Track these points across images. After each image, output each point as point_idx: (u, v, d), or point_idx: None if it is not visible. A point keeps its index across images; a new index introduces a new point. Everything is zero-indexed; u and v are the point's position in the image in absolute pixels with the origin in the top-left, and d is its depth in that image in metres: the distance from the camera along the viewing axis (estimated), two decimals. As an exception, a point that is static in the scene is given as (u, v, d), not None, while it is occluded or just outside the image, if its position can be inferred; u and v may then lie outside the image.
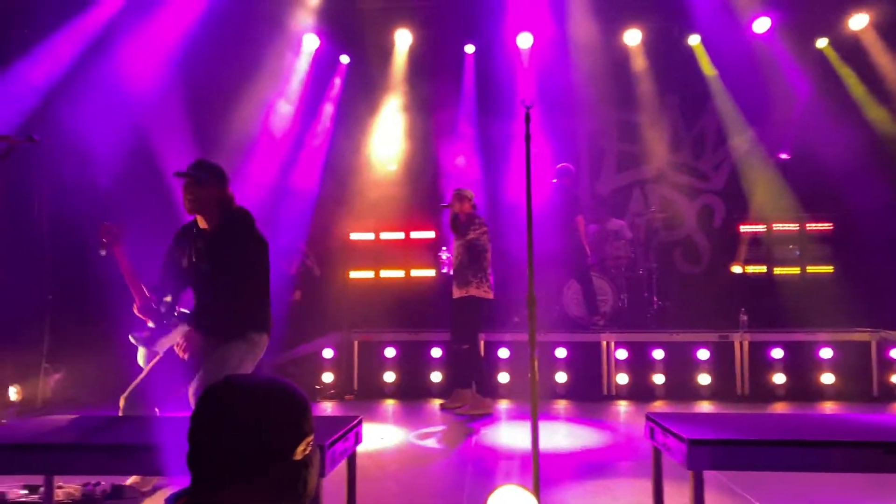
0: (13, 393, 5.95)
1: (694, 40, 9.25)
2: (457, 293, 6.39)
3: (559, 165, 8.05)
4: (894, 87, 8.62)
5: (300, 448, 1.37)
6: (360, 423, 3.10)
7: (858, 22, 8.66)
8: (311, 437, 1.41)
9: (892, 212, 8.07)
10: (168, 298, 3.71)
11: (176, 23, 7.30)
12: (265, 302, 3.72)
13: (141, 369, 3.72)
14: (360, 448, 3.16)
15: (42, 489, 3.20)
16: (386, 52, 9.36)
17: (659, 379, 7.21)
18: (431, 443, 5.26)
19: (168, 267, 3.71)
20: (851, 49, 8.88)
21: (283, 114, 8.85)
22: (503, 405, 6.89)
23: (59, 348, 6.41)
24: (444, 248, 6.71)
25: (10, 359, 6.03)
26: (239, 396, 1.36)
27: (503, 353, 7.38)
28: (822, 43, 9.08)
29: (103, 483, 3.63)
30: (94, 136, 6.33)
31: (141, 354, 3.82)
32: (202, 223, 3.63)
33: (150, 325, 3.69)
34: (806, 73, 9.00)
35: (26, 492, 3.57)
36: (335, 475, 2.92)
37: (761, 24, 8.67)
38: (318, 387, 7.35)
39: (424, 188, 9.54)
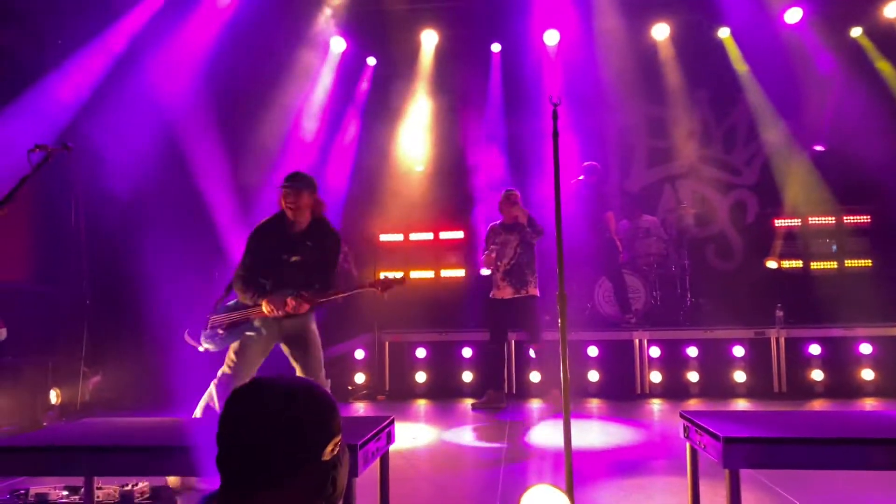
0: (53, 396, 6.08)
1: (723, 33, 9.10)
2: (514, 293, 6.47)
3: (586, 163, 8.00)
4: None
5: (329, 448, 1.38)
6: (392, 422, 3.12)
7: (894, 9, 8.44)
8: (339, 437, 1.42)
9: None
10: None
11: (203, 30, 7.42)
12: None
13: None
14: (392, 448, 3.17)
15: (82, 490, 3.27)
16: (412, 52, 9.37)
17: (693, 377, 7.12)
18: (464, 442, 5.26)
19: (259, 260, 4.24)
20: (887, 37, 8.66)
21: (311, 116, 8.94)
22: (535, 404, 6.86)
23: (96, 352, 6.53)
24: (492, 247, 6.67)
25: (50, 363, 6.17)
26: (267, 397, 1.37)
27: (533, 351, 7.33)
28: (856, 32, 8.87)
29: (141, 484, 3.69)
30: (126, 145, 6.48)
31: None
32: (295, 223, 4.23)
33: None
34: (840, 63, 8.81)
35: (67, 493, 3.64)
36: (368, 475, 2.94)
37: (793, 15, 8.50)
38: (350, 387, 7.39)
39: (453, 188, 9.55)
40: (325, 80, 9.07)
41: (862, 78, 8.76)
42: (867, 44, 8.86)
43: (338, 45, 9.03)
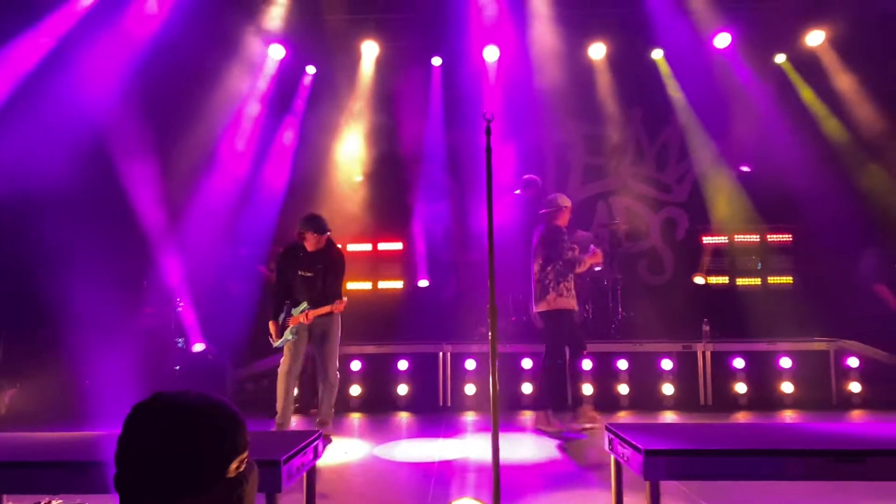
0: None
1: (657, 54, 9.40)
2: (546, 306, 6.12)
3: (524, 177, 8.10)
4: (849, 102, 8.86)
5: (233, 465, 1.34)
6: (319, 437, 3.07)
7: (815, 38, 8.88)
8: (245, 454, 1.38)
9: (847, 223, 8.26)
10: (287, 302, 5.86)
11: (132, 34, 7.21)
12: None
13: None
14: (323, 462, 3.12)
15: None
16: (352, 63, 9.34)
17: (623, 389, 7.26)
18: (396, 457, 5.22)
19: (288, 282, 5.89)
20: (808, 65, 9.10)
21: (246, 123, 8.80)
22: (470, 417, 6.87)
23: (12, 365, 6.24)
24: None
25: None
26: (167, 414, 1.32)
27: (470, 364, 7.36)
28: (780, 58, 9.29)
29: (55, 502, 3.52)
30: (48, 151, 6.22)
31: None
32: (310, 247, 5.82)
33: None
34: (766, 87, 9.21)
35: (-26, 512, 3.45)
36: (294, 491, 2.89)
37: (722, 40, 8.84)
38: (282, 400, 7.24)
39: (392, 199, 9.53)
40: (261, 88, 8.95)
41: (785, 102, 9.18)
42: (790, 70, 9.28)
43: (276, 52, 8.92)
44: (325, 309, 5.74)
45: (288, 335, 5.78)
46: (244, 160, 8.82)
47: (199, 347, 7.45)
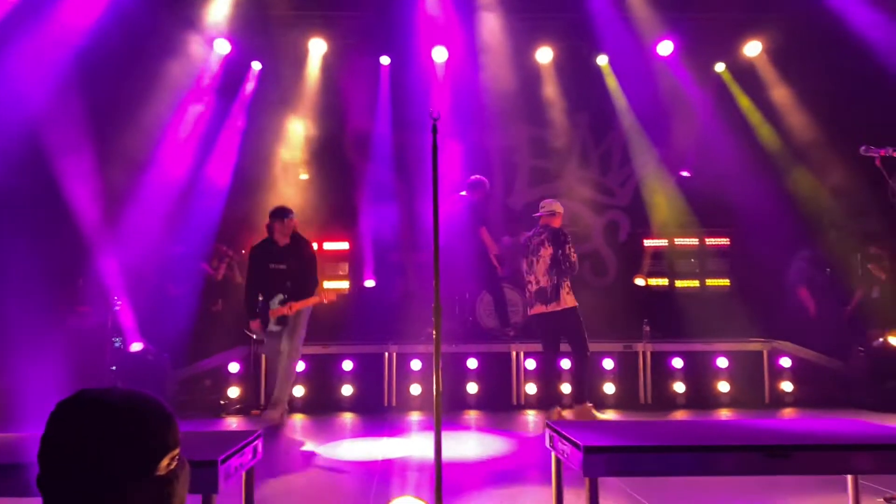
0: None
1: (602, 60, 9.57)
2: (559, 306, 6.22)
3: (471, 178, 8.14)
4: (782, 110, 9.20)
5: (164, 463, 1.31)
6: (259, 437, 3.02)
7: (753, 49, 9.19)
8: (176, 451, 1.34)
9: (782, 228, 8.58)
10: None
11: (73, 21, 6.97)
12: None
13: None
14: (264, 463, 3.07)
15: None
16: (300, 60, 9.23)
17: (566, 388, 7.35)
18: (339, 457, 5.17)
19: (260, 275, 6.33)
20: (746, 74, 9.41)
21: (191, 118, 8.60)
22: (415, 417, 6.86)
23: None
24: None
25: None
26: (91, 412, 1.27)
27: (415, 364, 7.36)
28: (720, 67, 9.58)
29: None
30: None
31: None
32: (280, 239, 6.31)
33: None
34: (706, 95, 9.48)
35: None
36: (232, 492, 2.83)
37: (665, 47, 9.06)
38: (222, 402, 7.12)
39: (338, 198, 9.45)
40: (205, 83, 8.76)
41: (724, 110, 9.48)
42: (729, 79, 9.59)
43: (222, 47, 8.75)
44: (314, 300, 6.23)
45: (273, 326, 6.17)
46: (186, 156, 8.62)
47: (137, 347, 7.24)
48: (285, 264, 6.21)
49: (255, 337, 6.44)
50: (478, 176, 8.18)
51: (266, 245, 6.38)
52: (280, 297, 6.19)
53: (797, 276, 8.50)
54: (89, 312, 7.58)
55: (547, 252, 6.30)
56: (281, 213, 6.36)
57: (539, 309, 6.33)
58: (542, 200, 6.71)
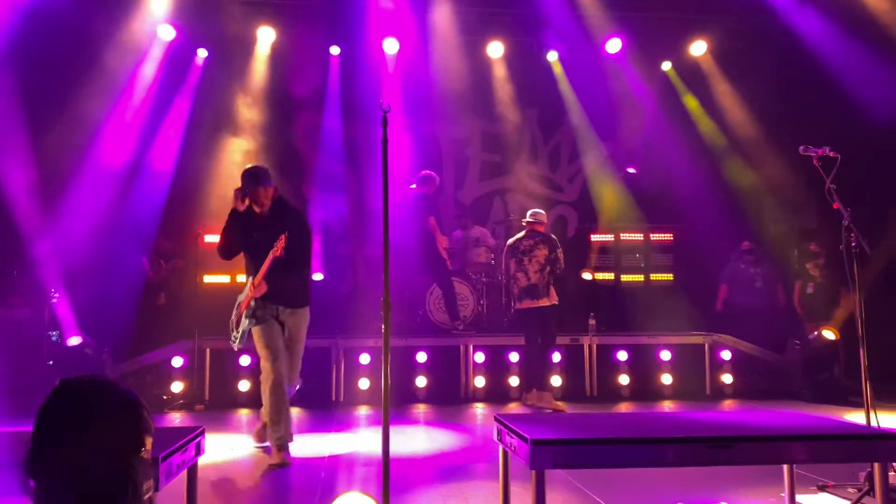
0: None
1: (552, 57, 9.65)
2: (548, 301, 6.85)
3: (422, 172, 8.11)
4: (725, 108, 9.44)
5: (147, 445, 1.42)
6: (202, 433, 2.95)
7: (698, 48, 9.40)
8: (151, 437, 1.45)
9: (723, 224, 8.81)
10: None
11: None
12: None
13: None
14: (209, 460, 3.00)
15: None
16: (247, 48, 9.03)
17: (514, 381, 7.42)
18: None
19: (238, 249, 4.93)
20: (692, 73, 9.61)
21: (130, 107, 8.33)
22: (364, 411, 6.82)
23: None
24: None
25: None
26: (86, 395, 1.39)
27: (364, 358, 7.30)
28: (666, 66, 9.77)
29: None
30: None
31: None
32: (262, 207, 4.78)
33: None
34: (652, 92, 9.66)
35: None
36: (174, 489, 2.76)
37: (613, 45, 9.19)
38: (165, 397, 6.95)
39: (287, 190, 9.27)
40: (148, 69, 8.50)
41: (670, 108, 9.67)
42: (675, 77, 9.78)
43: (166, 32, 8.50)
44: (249, 295, 4.68)
45: (245, 323, 4.71)
46: (128, 145, 8.35)
47: (74, 341, 7.00)
48: (267, 236, 4.61)
49: (235, 345, 4.92)
50: (428, 171, 8.16)
51: (248, 214, 4.82)
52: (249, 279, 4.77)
53: (724, 273, 8.78)
54: (24, 304, 7.30)
55: (542, 253, 6.92)
56: (257, 176, 4.76)
57: (528, 304, 6.89)
58: (529, 209, 7.33)
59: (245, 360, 7.20)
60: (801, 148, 4.08)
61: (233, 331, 4.87)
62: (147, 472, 1.42)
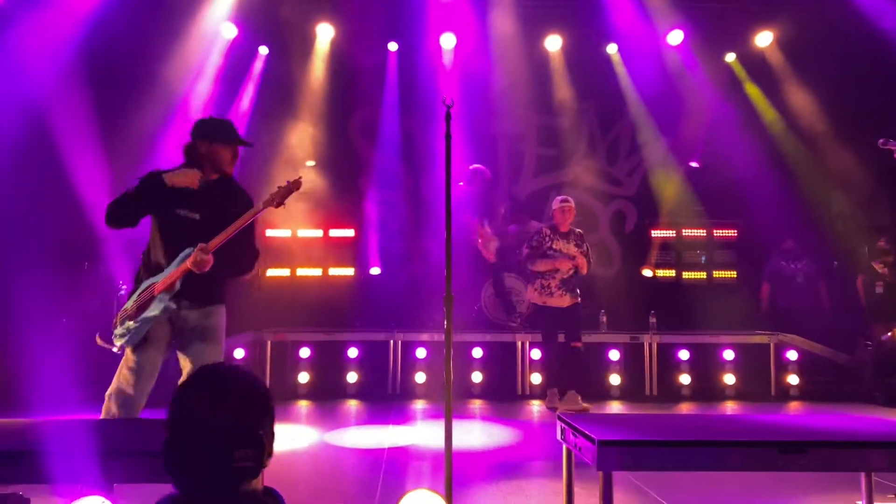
0: None
1: (612, 49, 9.48)
2: (571, 301, 6.57)
3: (471, 167, 8.09)
4: (794, 103, 9.11)
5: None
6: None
7: (764, 39, 9.09)
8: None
9: (788, 221, 8.53)
10: None
11: (77, 6, 6.91)
12: None
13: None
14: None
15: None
16: (307, 45, 9.15)
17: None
18: (345, 444, 5.17)
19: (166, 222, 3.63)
20: (756, 64, 9.32)
21: (196, 105, 8.53)
22: (420, 405, 6.86)
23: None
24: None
25: None
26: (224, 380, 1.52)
27: (420, 352, 7.35)
28: (730, 57, 9.49)
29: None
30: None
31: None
32: (214, 172, 3.72)
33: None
34: (715, 85, 9.40)
35: None
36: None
37: (675, 37, 8.97)
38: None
39: (344, 185, 9.41)
40: (212, 67, 8.70)
41: (734, 101, 9.39)
42: (739, 69, 9.49)
43: (228, 31, 8.68)
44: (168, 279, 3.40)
45: (130, 324, 3.43)
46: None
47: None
48: (199, 213, 3.55)
49: (114, 345, 3.52)
50: (476, 165, 8.12)
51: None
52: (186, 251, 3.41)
53: (765, 272, 8.51)
54: (94, 297, 7.58)
55: (573, 255, 6.58)
56: (223, 132, 3.79)
57: (561, 301, 6.56)
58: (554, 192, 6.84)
59: (305, 353, 7.33)
60: (881, 141, 3.91)
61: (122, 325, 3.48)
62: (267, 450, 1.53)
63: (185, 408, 1.44)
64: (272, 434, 1.55)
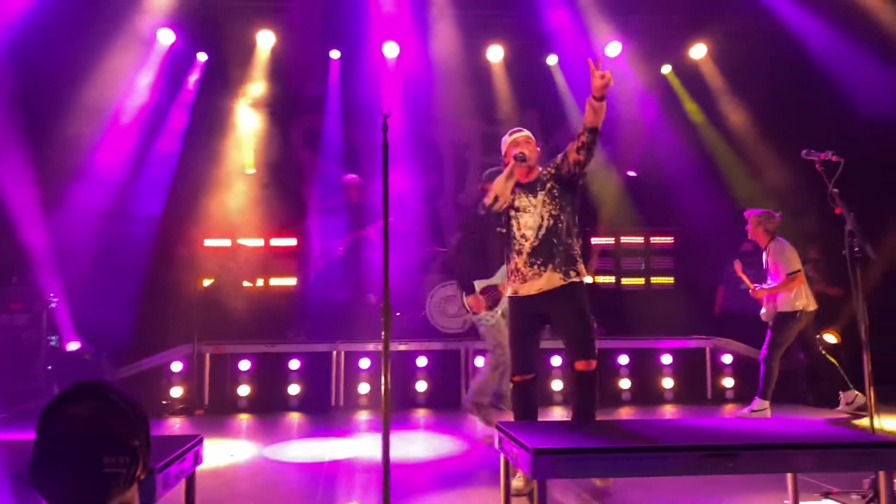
0: None
1: (552, 60, 9.62)
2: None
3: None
4: (726, 114, 9.40)
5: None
6: (199, 442, 2.92)
7: (698, 51, 9.36)
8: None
9: (723, 227, 8.77)
10: None
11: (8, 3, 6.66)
12: None
13: None
14: (207, 466, 2.97)
15: None
16: (247, 52, 9.00)
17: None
18: (285, 458, 5.07)
19: None
20: (692, 76, 9.58)
21: (130, 110, 8.30)
22: (363, 416, 6.79)
23: None
24: None
25: None
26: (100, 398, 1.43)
27: (364, 363, 7.28)
28: (666, 69, 9.74)
29: None
30: None
31: None
32: None
33: None
34: (653, 95, 9.63)
35: None
36: (172, 498, 2.73)
37: (613, 48, 9.15)
38: (165, 402, 6.92)
39: (286, 194, 9.27)
40: (148, 74, 8.47)
41: (670, 111, 9.63)
42: (675, 80, 9.75)
43: (165, 37, 8.47)
44: None
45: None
46: (126, 148, 8.32)
47: (73, 346, 6.98)
48: None
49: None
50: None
51: None
52: None
53: (722, 273, 8.75)
54: (22, 310, 7.27)
55: None
56: None
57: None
58: None
59: (245, 365, 7.18)
60: (804, 152, 4.06)
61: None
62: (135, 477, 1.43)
63: (55, 419, 1.38)
64: (147, 447, 1.48)
